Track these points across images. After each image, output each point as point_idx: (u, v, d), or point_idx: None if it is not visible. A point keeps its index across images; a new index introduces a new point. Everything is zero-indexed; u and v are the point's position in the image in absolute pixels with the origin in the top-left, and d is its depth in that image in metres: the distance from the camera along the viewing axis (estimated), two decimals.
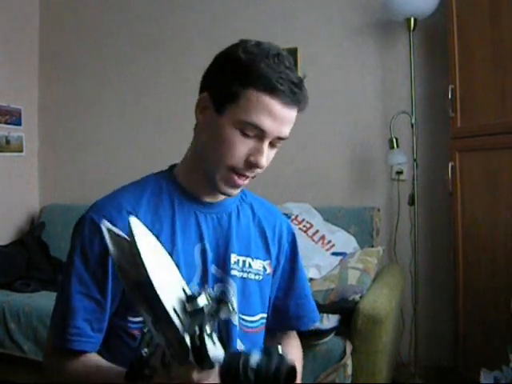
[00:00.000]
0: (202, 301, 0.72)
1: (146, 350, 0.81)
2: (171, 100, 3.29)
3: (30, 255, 3.12)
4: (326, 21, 3.04)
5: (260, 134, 0.98)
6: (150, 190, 1.07)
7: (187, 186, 1.08)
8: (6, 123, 3.40)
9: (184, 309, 0.72)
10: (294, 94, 0.98)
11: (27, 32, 3.60)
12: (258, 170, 1.02)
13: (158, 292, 0.69)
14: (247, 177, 1.02)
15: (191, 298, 0.72)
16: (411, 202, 2.75)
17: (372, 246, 2.68)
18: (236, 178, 1.01)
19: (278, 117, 0.98)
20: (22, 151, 3.54)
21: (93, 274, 0.99)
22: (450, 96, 2.46)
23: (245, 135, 0.98)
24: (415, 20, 2.64)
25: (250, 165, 0.99)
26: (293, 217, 2.66)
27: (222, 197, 1.10)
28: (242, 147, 0.98)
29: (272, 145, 1.02)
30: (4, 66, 3.37)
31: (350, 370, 2.08)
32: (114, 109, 3.50)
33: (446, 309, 2.73)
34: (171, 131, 3.26)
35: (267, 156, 1.01)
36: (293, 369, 0.79)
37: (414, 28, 2.66)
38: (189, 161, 1.10)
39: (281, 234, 1.19)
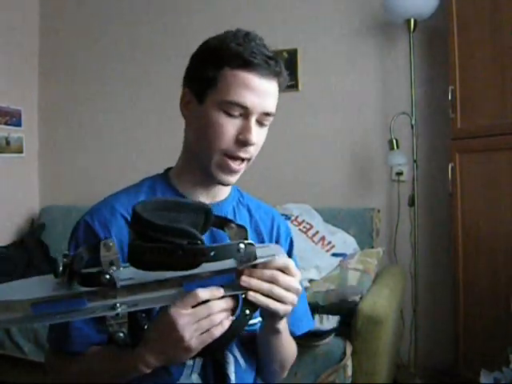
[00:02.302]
0: None
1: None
2: (171, 100, 3.26)
3: (29, 256, 3.12)
4: (326, 22, 3.05)
5: (244, 112, 0.98)
6: (145, 193, 1.07)
7: (181, 187, 1.08)
8: (6, 124, 3.40)
9: None
10: (269, 65, 0.98)
11: (27, 32, 3.60)
12: (252, 151, 1.02)
13: None
14: (242, 160, 1.02)
15: None
16: (411, 203, 2.75)
17: (372, 247, 2.68)
18: (230, 162, 1.01)
19: (258, 90, 0.97)
20: (22, 152, 3.54)
21: None
22: (450, 97, 2.47)
23: (230, 115, 0.98)
24: (415, 21, 2.64)
25: (241, 144, 0.99)
26: (293, 218, 2.66)
27: (217, 198, 1.10)
28: (228, 128, 0.98)
29: (260, 123, 1.01)
30: (4, 66, 3.37)
31: (350, 371, 2.08)
32: (114, 110, 3.51)
33: (445, 309, 2.73)
34: (171, 131, 3.23)
35: (258, 134, 1.01)
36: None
37: (414, 29, 2.66)
38: (181, 161, 1.10)
39: (278, 238, 1.18)
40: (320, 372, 2.08)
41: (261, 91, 0.98)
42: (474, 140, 2.41)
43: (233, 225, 0.90)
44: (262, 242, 1.14)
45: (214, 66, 0.98)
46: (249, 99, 0.97)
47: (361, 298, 2.13)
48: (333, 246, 2.55)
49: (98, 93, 3.54)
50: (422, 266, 2.78)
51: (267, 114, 1.01)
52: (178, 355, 0.82)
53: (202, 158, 1.03)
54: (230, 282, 0.84)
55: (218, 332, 0.81)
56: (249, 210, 1.16)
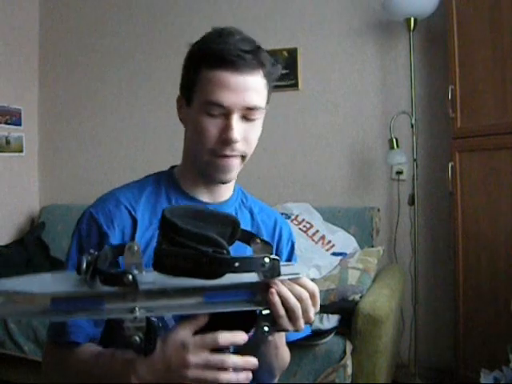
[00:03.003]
0: None
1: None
2: (172, 100, 3.27)
3: (29, 255, 3.12)
4: (326, 21, 3.05)
5: (224, 111, 0.98)
6: (150, 188, 1.08)
7: (185, 186, 1.09)
8: (6, 123, 3.40)
9: None
10: (245, 59, 0.96)
11: (27, 32, 3.60)
12: (240, 147, 1.00)
13: None
14: (230, 157, 1.01)
15: None
16: (411, 202, 2.75)
17: (372, 246, 2.68)
18: (219, 161, 1.01)
19: (233, 86, 0.96)
20: (22, 151, 3.54)
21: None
22: (449, 96, 2.46)
23: (211, 116, 0.98)
24: (415, 20, 2.64)
25: (224, 142, 0.99)
26: (293, 217, 2.66)
27: (219, 198, 1.10)
28: (211, 128, 0.99)
29: (246, 118, 1.00)
30: (4, 66, 3.37)
31: (349, 370, 2.08)
32: (114, 109, 3.51)
33: (445, 309, 2.73)
34: (172, 131, 3.25)
35: (244, 130, 1.00)
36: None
37: (413, 28, 2.66)
38: (183, 161, 1.12)
39: (279, 241, 1.18)
40: (320, 371, 2.08)
41: (238, 87, 0.96)
42: (473, 139, 2.41)
43: (258, 240, 0.90)
44: None
45: (194, 68, 1.00)
46: (226, 97, 0.96)
47: (361, 297, 2.13)
48: (333, 245, 2.55)
49: (98, 92, 3.54)
50: (422, 265, 2.78)
51: (251, 109, 0.99)
52: (172, 380, 0.80)
53: (196, 158, 1.05)
54: (250, 297, 0.82)
55: (221, 380, 0.79)
56: (251, 213, 1.16)
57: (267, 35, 3.10)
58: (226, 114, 0.98)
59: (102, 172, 3.48)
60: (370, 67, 2.98)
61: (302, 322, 0.84)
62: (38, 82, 3.68)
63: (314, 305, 0.85)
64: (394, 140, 2.73)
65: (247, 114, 1.00)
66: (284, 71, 3.10)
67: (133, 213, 1.02)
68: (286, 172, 3.10)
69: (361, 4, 2.97)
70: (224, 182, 1.07)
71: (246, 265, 0.77)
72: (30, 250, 3.15)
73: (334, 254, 2.51)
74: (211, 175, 1.04)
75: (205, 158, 1.02)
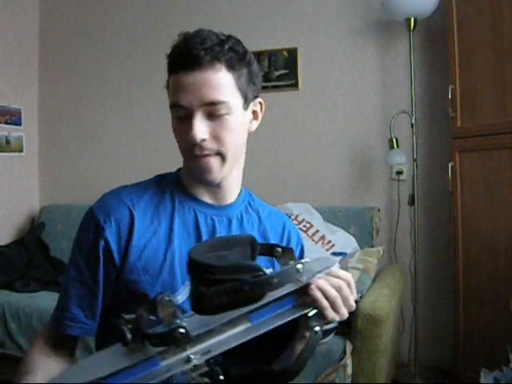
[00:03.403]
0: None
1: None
2: None
3: (30, 255, 3.12)
4: (326, 21, 3.05)
5: (186, 111, 0.98)
6: (154, 188, 1.08)
7: (189, 186, 1.09)
8: (6, 123, 3.40)
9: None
10: (197, 58, 0.95)
11: (27, 32, 3.60)
12: (209, 146, 0.99)
13: None
14: (203, 156, 1.00)
15: None
16: (411, 202, 2.75)
17: (372, 246, 2.68)
18: (194, 162, 1.01)
19: (185, 86, 0.97)
20: (22, 151, 3.54)
21: (86, 260, 1.01)
22: (449, 96, 2.46)
23: (179, 119, 1.00)
24: (415, 20, 2.64)
25: (190, 143, 0.98)
26: (293, 217, 2.66)
27: (224, 201, 1.10)
28: (180, 131, 1.01)
29: (213, 115, 0.98)
30: (4, 66, 3.37)
31: (349, 370, 2.08)
32: (114, 109, 3.51)
33: (445, 309, 2.73)
34: (172, 131, 3.26)
35: (211, 128, 0.98)
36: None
37: (413, 28, 2.65)
38: (183, 165, 1.12)
39: (288, 245, 1.17)
40: (320, 371, 2.08)
41: (193, 86, 0.96)
42: (474, 139, 2.40)
43: (278, 248, 0.91)
44: None
45: (168, 76, 1.03)
46: (180, 98, 0.98)
47: (361, 297, 2.13)
48: (333, 245, 2.55)
49: (98, 92, 3.54)
50: (422, 265, 2.78)
51: (213, 104, 0.97)
52: None
53: (184, 163, 1.09)
54: (293, 304, 0.85)
55: None
56: (258, 216, 1.15)
57: (267, 35, 3.10)
58: (189, 115, 0.98)
59: (102, 172, 3.48)
60: (370, 67, 2.98)
61: (344, 310, 0.88)
62: (37, 82, 3.68)
63: (352, 292, 0.89)
64: (394, 140, 2.72)
65: (211, 111, 0.98)
66: (284, 71, 3.10)
67: (131, 208, 1.02)
68: (285, 172, 3.10)
69: (361, 4, 2.97)
70: (210, 184, 1.05)
71: (284, 277, 0.80)
72: (29, 249, 3.15)
73: (333, 253, 2.51)
74: (196, 177, 1.05)
75: (186, 162, 1.06)
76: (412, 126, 2.71)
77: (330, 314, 0.87)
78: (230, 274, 0.76)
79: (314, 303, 0.85)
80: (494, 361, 2.06)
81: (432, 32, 2.80)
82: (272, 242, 1.14)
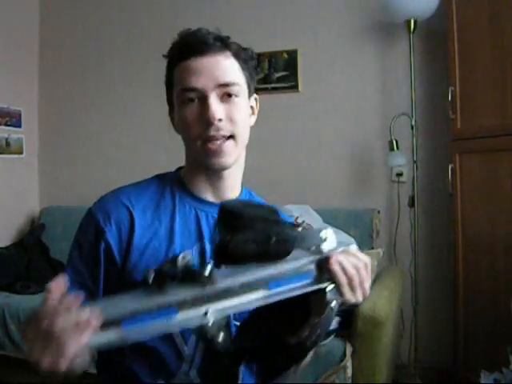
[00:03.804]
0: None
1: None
2: None
3: (30, 257, 3.12)
4: (326, 22, 3.05)
5: (199, 94, 1.00)
6: (154, 187, 1.08)
7: (190, 185, 1.09)
8: (6, 125, 3.40)
9: None
10: (207, 43, 1.00)
11: (27, 33, 3.60)
12: (226, 126, 1.01)
13: None
14: (219, 138, 1.01)
15: None
16: (411, 204, 2.75)
17: (372, 248, 2.68)
18: (208, 144, 1.01)
19: (202, 68, 1.00)
20: (22, 153, 3.54)
21: (86, 262, 1.01)
22: (449, 97, 2.47)
23: (188, 101, 1.01)
24: (415, 22, 2.65)
25: (206, 124, 0.99)
26: (293, 218, 2.66)
27: (225, 198, 1.09)
28: (192, 115, 1.01)
29: (225, 96, 1.01)
30: (4, 67, 3.37)
31: (350, 372, 2.08)
32: (114, 111, 3.51)
33: (445, 310, 2.72)
34: (172, 132, 3.25)
35: (225, 108, 1.01)
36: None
37: (414, 30, 2.66)
38: (186, 163, 1.12)
39: None
40: (320, 373, 2.08)
41: (206, 68, 1.00)
42: (474, 141, 2.41)
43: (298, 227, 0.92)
44: None
45: (168, 72, 1.07)
46: (197, 80, 0.99)
47: None
48: None
49: (99, 93, 3.54)
50: (422, 267, 2.78)
51: (226, 85, 1.01)
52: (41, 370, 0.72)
53: (191, 152, 1.07)
54: (311, 278, 0.85)
55: (71, 350, 0.69)
56: None
57: (267, 37, 3.10)
58: (203, 98, 1.00)
59: (102, 174, 3.48)
60: (370, 69, 2.98)
61: (360, 293, 0.88)
62: (38, 83, 3.68)
63: (368, 274, 0.89)
64: (394, 142, 2.73)
65: (224, 92, 1.01)
66: (284, 73, 3.11)
67: (131, 209, 1.02)
68: (285, 173, 3.10)
69: (361, 6, 2.97)
70: (223, 168, 1.05)
71: (309, 239, 0.81)
72: (29, 251, 3.15)
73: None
74: (207, 162, 1.03)
75: (196, 147, 1.03)
76: (412, 127, 2.71)
77: (347, 292, 0.86)
78: (259, 224, 0.77)
79: (333, 278, 0.85)
80: (494, 362, 2.06)
81: (432, 34, 2.80)
82: None
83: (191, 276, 0.75)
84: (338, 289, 0.86)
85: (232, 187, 1.11)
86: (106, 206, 1.03)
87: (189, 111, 1.01)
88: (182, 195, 1.08)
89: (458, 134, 2.47)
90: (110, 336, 0.72)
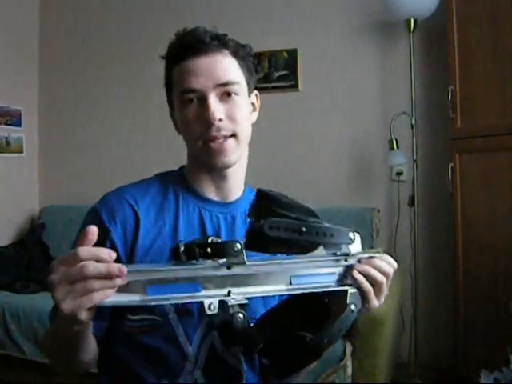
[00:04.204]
0: None
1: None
2: None
3: (29, 256, 3.12)
4: (326, 21, 3.05)
5: (198, 95, 1.00)
6: (157, 186, 1.08)
7: (193, 183, 1.09)
8: (6, 124, 3.40)
9: None
10: (204, 43, 1.00)
11: (27, 33, 3.60)
12: (227, 126, 1.01)
13: None
14: (220, 138, 1.01)
15: None
16: (411, 203, 2.75)
17: (372, 247, 2.67)
18: (210, 144, 1.01)
19: (200, 69, 1.00)
20: (21, 152, 3.54)
21: None
22: (449, 97, 2.47)
23: (188, 102, 1.01)
24: (415, 21, 2.64)
25: (207, 124, 0.99)
26: None
27: (229, 198, 1.10)
28: (192, 115, 1.01)
29: (225, 96, 1.01)
30: (4, 66, 3.37)
31: (349, 371, 2.08)
32: (114, 110, 3.50)
33: (445, 309, 2.73)
34: (172, 131, 3.24)
35: (225, 108, 1.01)
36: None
37: (413, 29, 2.66)
38: (188, 162, 1.12)
39: None
40: (320, 372, 2.08)
41: (205, 68, 1.00)
42: (473, 140, 2.41)
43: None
44: None
45: (166, 72, 1.07)
46: (195, 81, 0.99)
47: None
48: None
49: (99, 93, 3.53)
50: (422, 266, 2.78)
51: (225, 84, 1.01)
52: (61, 312, 0.72)
53: (193, 152, 1.07)
54: (334, 279, 0.86)
55: (96, 298, 0.70)
56: None
57: (267, 36, 3.10)
58: (202, 98, 1.00)
59: (102, 173, 3.47)
60: (370, 68, 2.98)
61: (383, 297, 0.90)
62: (37, 82, 3.68)
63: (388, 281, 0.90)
64: (394, 141, 2.73)
65: (223, 91, 1.01)
66: (284, 72, 3.11)
67: (136, 208, 1.02)
68: (285, 173, 3.10)
69: (361, 5, 2.97)
70: (226, 167, 1.05)
71: (337, 236, 0.82)
72: (29, 250, 3.15)
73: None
74: (209, 162, 1.03)
75: (198, 147, 1.03)
76: (412, 126, 2.71)
77: (372, 298, 0.88)
78: (294, 212, 0.78)
79: (357, 285, 0.86)
80: (494, 361, 2.06)
81: (432, 33, 2.80)
82: None
83: (221, 250, 0.77)
84: (363, 295, 0.87)
85: (235, 186, 1.11)
86: (111, 205, 1.02)
87: (189, 112, 1.01)
88: (185, 194, 1.07)
89: (458, 133, 2.47)
90: (134, 298, 0.74)
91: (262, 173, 3.00)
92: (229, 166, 1.05)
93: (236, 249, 0.77)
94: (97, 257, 0.71)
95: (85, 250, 0.71)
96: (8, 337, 2.51)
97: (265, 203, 0.80)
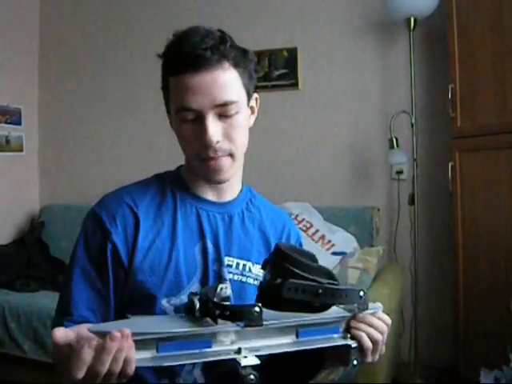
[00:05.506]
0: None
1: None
2: None
3: (29, 255, 3.12)
4: (326, 20, 3.04)
5: (196, 114, 0.96)
6: (155, 187, 1.08)
7: (190, 184, 1.09)
8: (6, 123, 3.40)
9: None
10: (203, 57, 0.94)
11: (27, 32, 3.60)
12: (223, 147, 0.99)
13: None
14: (216, 158, 0.99)
15: None
16: (411, 202, 2.75)
17: (372, 246, 2.67)
18: (206, 163, 1.00)
19: (198, 88, 0.94)
20: (22, 151, 3.54)
21: (95, 264, 1.00)
22: (449, 95, 2.46)
23: (186, 121, 0.98)
24: (415, 20, 2.64)
25: (205, 146, 0.97)
26: (293, 216, 2.66)
27: (225, 198, 1.10)
28: (189, 134, 0.99)
29: (223, 115, 0.98)
30: (4, 65, 3.37)
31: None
32: (114, 108, 3.50)
33: (445, 308, 2.72)
34: (172, 131, 3.25)
35: (222, 128, 0.98)
36: None
37: (413, 28, 2.65)
38: (185, 161, 1.12)
39: (288, 242, 1.17)
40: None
41: (203, 87, 0.95)
42: (474, 139, 2.40)
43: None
44: (268, 245, 1.13)
45: (163, 76, 1.04)
46: (191, 100, 0.95)
47: None
48: (333, 245, 2.55)
49: (99, 92, 3.53)
50: (422, 265, 2.78)
51: (224, 105, 0.96)
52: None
53: (189, 164, 1.07)
54: (340, 332, 0.88)
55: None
56: (259, 213, 1.15)
57: (267, 35, 3.10)
58: (200, 117, 0.97)
59: (102, 172, 3.48)
60: (370, 67, 2.97)
61: (379, 354, 0.93)
62: (38, 81, 3.68)
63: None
64: (394, 139, 2.72)
65: (222, 112, 0.97)
66: (284, 71, 3.10)
67: (135, 210, 1.02)
68: (285, 171, 3.10)
69: (361, 3, 2.97)
70: (220, 183, 1.06)
71: (350, 297, 0.82)
72: (29, 249, 3.15)
73: (333, 253, 2.51)
74: (205, 178, 1.04)
75: (194, 163, 1.03)
76: (412, 125, 2.71)
77: (370, 355, 0.90)
78: (311, 273, 0.78)
79: (359, 341, 0.87)
80: (494, 360, 2.06)
81: (432, 32, 2.79)
82: (271, 239, 1.14)
83: (240, 314, 0.76)
84: (362, 350, 0.89)
85: (232, 188, 1.11)
86: (110, 207, 1.02)
87: (187, 130, 0.99)
88: (182, 195, 1.07)
89: (458, 131, 2.47)
90: (145, 356, 0.73)
91: (262, 171, 3.01)
92: (224, 182, 1.05)
93: (255, 313, 0.76)
94: (93, 349, 0.70)
95: (80, 357, 0.70)
96: (8, 335, 2.51)
97: (284, 262, 0.79)
